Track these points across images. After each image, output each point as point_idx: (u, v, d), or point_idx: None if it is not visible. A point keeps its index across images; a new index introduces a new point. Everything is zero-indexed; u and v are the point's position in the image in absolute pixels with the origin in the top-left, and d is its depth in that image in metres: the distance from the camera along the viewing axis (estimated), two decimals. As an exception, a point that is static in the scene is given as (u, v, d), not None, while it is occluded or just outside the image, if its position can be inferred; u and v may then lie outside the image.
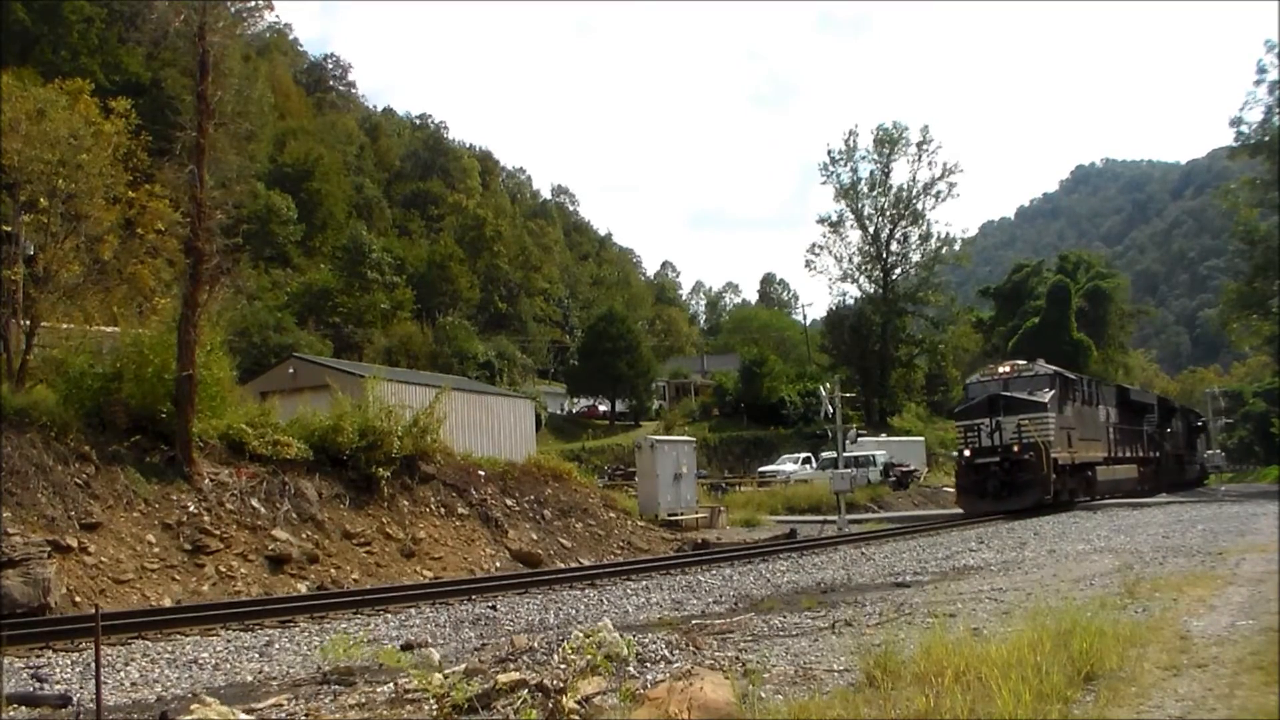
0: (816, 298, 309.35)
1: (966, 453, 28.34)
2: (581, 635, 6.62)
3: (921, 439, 55.44)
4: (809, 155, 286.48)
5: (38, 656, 8.91)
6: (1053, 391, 28.52)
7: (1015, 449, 26.96)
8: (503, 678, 5.68)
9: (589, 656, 6.10)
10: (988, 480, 27.34)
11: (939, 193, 64.26)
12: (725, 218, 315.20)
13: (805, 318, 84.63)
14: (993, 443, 27.51)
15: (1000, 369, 30.77)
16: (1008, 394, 28.40)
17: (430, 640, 8.75)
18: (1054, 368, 30.98)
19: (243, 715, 5.81)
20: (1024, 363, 31.22)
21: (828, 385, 31.71)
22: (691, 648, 7.66)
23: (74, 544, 13.51)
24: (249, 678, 7.77)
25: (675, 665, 6.77)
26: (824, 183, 66.57)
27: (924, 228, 64.87)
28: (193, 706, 5.94)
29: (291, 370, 30.34)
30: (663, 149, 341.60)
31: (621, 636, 7.22)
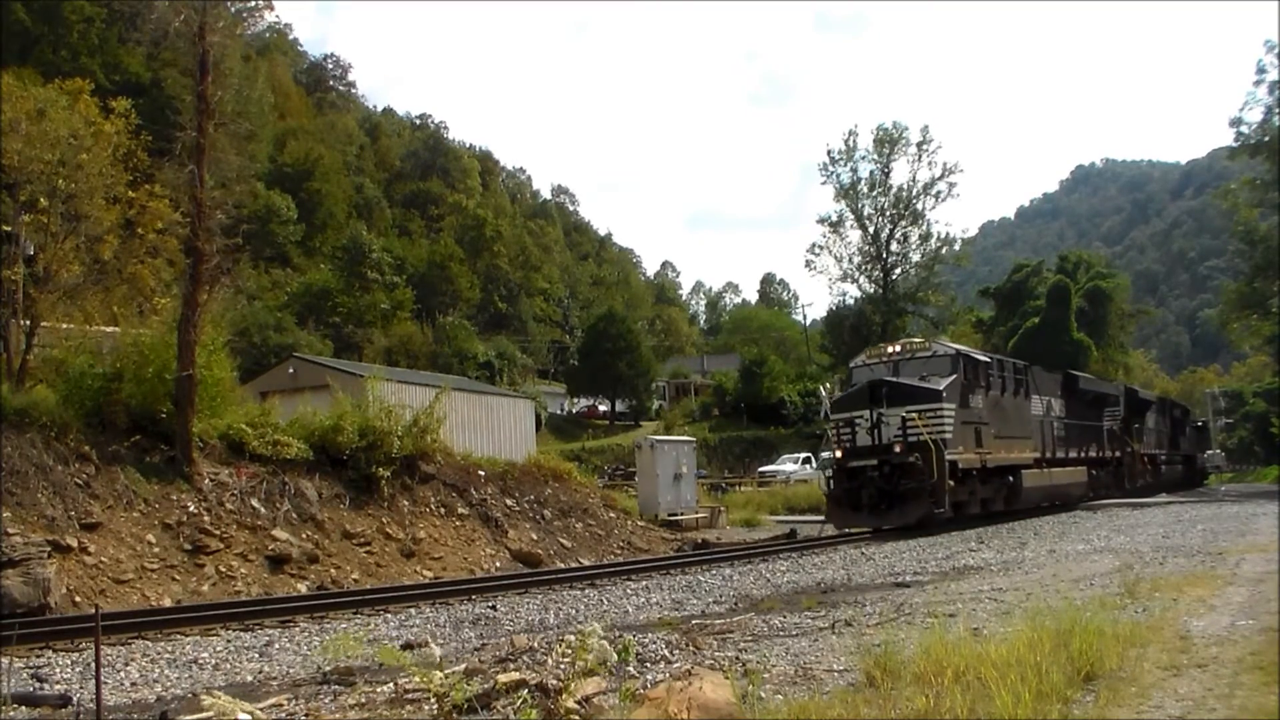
0: (816, 298, 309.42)
1: (838, 453, 22.51)
2: (573, 639, 6.62)
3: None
4: (808, 155, 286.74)
5: (38, 656, 8.92)
6: (953, 377, 22.62)
7: (897, 449, 21.19)
8: (503, 678, 5.68)
9: (581, 660, 6.10)
10: (863, 488, 21.50)
11: (939, 193, 64.21)
12: (724, 218, 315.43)
13: (805, 318, 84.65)
14: (872, 441, 21.72)
15: (890, 348, 24.70)
16: (894, 380, 22.55)
17: (430, 640, 8.74)
18: (959, 347, 25.25)
19: (247, 709, 5.80)
20: (919, 340, 25.53)
21: (827, 385, 30.41)
22: (691, 648, 7.66)
23: (74, 544, 13.51)
24: (249, 678, 7.77)
25: (675, 665, 6.78)
26: (824, 183, 66.40)
27: (924, 228, 64.82)
28: (203, 700, 5.94)
29: (291, 370, 30.36)
30: (662, 149, 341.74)
31: (621, 636, 7.22)
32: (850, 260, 66.70)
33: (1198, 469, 52.82)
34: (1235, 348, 73.47)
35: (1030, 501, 26.10)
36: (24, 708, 6.68)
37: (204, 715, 5.69)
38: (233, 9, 19.32)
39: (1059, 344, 59.23)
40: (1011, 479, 25.06)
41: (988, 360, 25.33)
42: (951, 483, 21.27)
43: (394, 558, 17.33)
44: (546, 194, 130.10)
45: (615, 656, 6.58)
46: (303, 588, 14.96)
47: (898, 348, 24.36)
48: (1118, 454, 34.75)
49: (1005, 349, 61.39)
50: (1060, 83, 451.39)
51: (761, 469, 50.47)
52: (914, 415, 21.21)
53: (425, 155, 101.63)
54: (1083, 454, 30.88)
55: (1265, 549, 13.53)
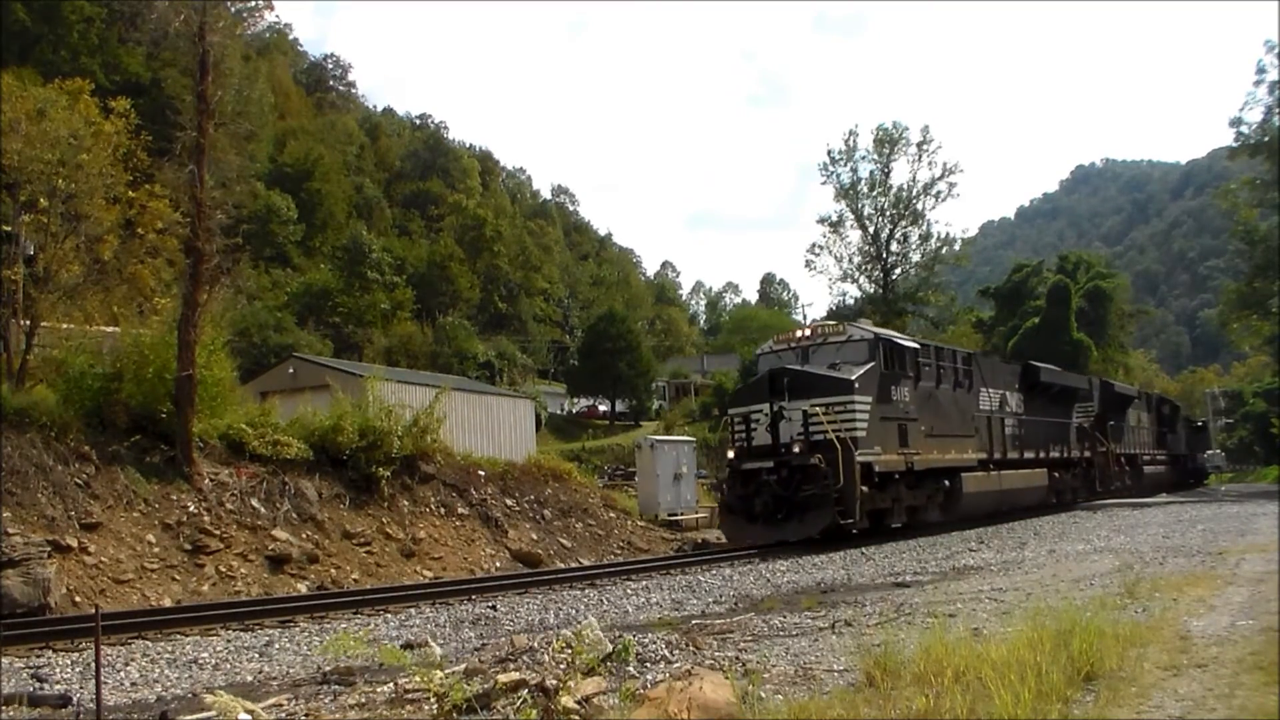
0: (816, 298, 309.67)
1: (730, 454, 19.57)
2: (569, 634, 6.62)
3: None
4: (806, 156, 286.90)
5: (38, 656, 8.91)
6: (871, 365, 19.43)
7: (796, 449, 18.23)
8: (502, 678, 5.68)
9: (580, 655, 6.10)
10: (758, 494, 18.47)
11: (939, 193, 64.20)
12: (724, 218, 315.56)
13: (805, 318, 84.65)
14: (771, 439, 18.75)
15: (799, 332, 21.64)
16: (797, 369, 19.36)
17: (430, 640, 8.74)
18: (881, 331, 21.88)
19: (249, 708, 5.81)
20: (834, 324, 21.96)
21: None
22: (691, 648, 7.66)
23: (74, 544, 13.51)
24: (249, 678, 7.77)
25: (675, 665, 6.77)
26: (824, 183, 66.39)
27: (924, 228, 64.84)
28: (205, 699, 5.94)
29: (291, 370, 30.34)
30: (661, 149, 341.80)
31: (621, 636, 7.22)
32: (850, 260, 66.69)
33: (1190, 469, 50.07)
34: (1235, 348, 73.45)
35: (973, 509, 22.95)
36: (24, 708, 6.68)
37: (206, 714, 5.69)
38: (233, 9, 19.35)
39: (1059, 344, 59.21)
40: (949, 483, 21.82)
41: (916, 347, 21.61)
42: (865, 488, 18.30)
43: (394, 558, 17.33)
44: (546, 194, 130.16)
45: (610, 647, 6.58)
46: (303, 588, 14.96)
47: (807, 332, 21.23)
48: (1087, 454, 31.49)
49: (1005, 349, 61.44)
50: (1060, 83, 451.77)
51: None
52: (819, 409, 18.12)
53: (425, 155, 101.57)
54: (1044, 454, 27.62)
55: (1265, 549, 13.53)
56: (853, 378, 18.80)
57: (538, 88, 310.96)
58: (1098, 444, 32.34)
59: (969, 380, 23.78)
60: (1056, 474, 28.31)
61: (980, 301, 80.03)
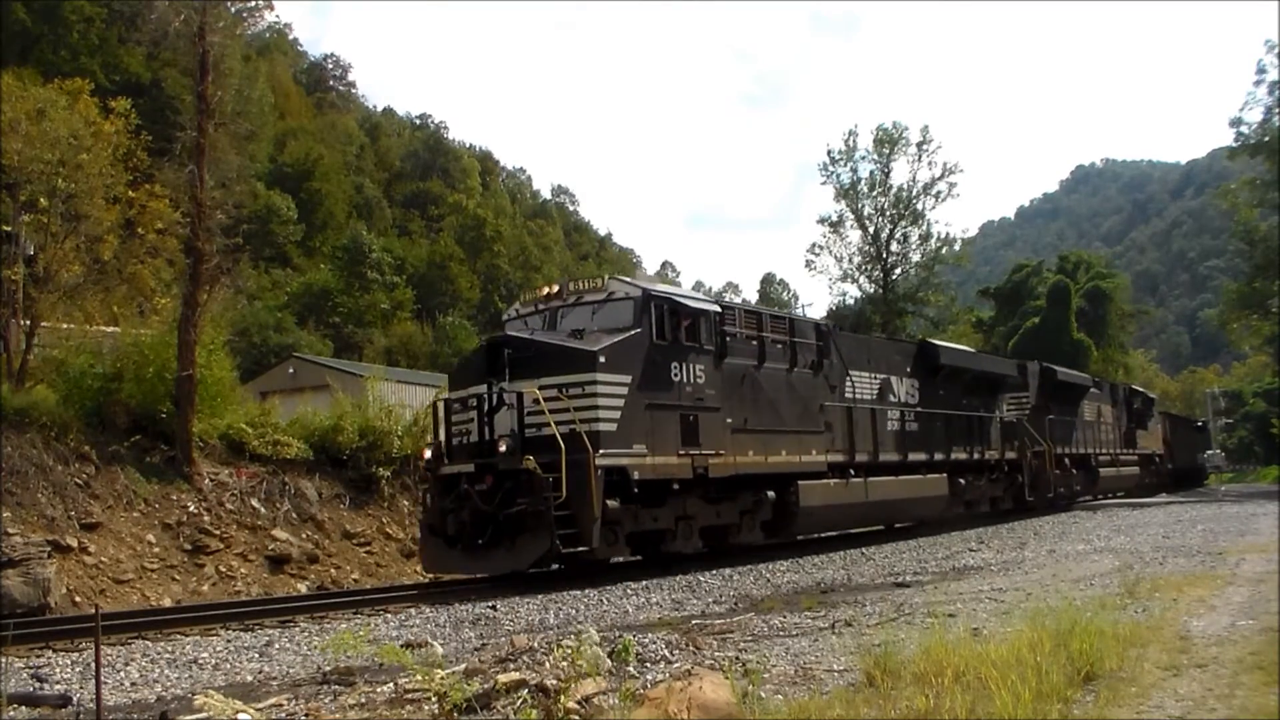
0: (816, 298, 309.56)
1: (426, 454, 14.70)
2: (568, 645, 6.63)
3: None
4: (805, 156, 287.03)
5: (38, 656, 8.91)
6: (634, 332, 14.10)
7: (502, 448, 13.07)
8: (503, 678, 5.68)
9: (580, 664, 6.11)
10: (457, 510, 13.29)
11: (939, 193, 64.14)
12: (723, 218, 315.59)
13: (805, 318, 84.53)
14: (479, 434, 13.62)
15: (547, 289, 15.73)
16: (525, 337, 14.28)
17: (431, 639, 8.75)
18: (657, 287, 15.74)
19: (240, 708, 5.81)
20: (595, 279, 15.71)
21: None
22: (691, 648, 7.66)
23: (74, 544, 13.53)
24: (249, 678, 7.77)
25: (675, 665, 6.78)
26: (824, 183, 66.16)
27: (924, 228, 64.80)
28: (195, 700, 5.95)
29: (291, 370, 30.40)
30: (661, 149, 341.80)
31: (621, 636, 7.22)
32: (850, 260, 66.62)
33: (1167, 471, 44.12)
34: (1235, 348, 73.49)
35: (819, 526, 18.47)
36: (24, 708, 6.69)
37: (201, 717, 5.69)
38: (233, 9, 19.32)
39: (1059, 344, 59.23)
40: (775, 494, 16.55)
41: (715, 310, 15.88)
42: (615, 502, 13.34)
43: (394, 558, 17.35)
44: (546, 194, 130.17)
45: (610, 663, 6.56)
46: (303, 588, 14.97)
47: (555, 288, 15.57)
48: (1014, 455, 25.84)
49: (1005, 349, 61.41)
50: (1060, 83, 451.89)
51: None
52: (552, 394, 13.09)
53: (425, 155, 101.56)
54: (946, 456, 22.16)
55: (1265, 549, 13.54)
56: (596, 348, 13.54)
57: (538, 88, 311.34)
58: (1032, 442, 26.74)
59: (819, 360, 18.20)
60: (964, 480, 22.90)
61: (980, 301, 80.00)
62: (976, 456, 23.81)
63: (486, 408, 13.58)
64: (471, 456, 13.70)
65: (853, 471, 18.52)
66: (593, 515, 12.83)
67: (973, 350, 29.21)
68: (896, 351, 22.24)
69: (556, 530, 12.52)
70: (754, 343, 16.63)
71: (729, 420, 15.55)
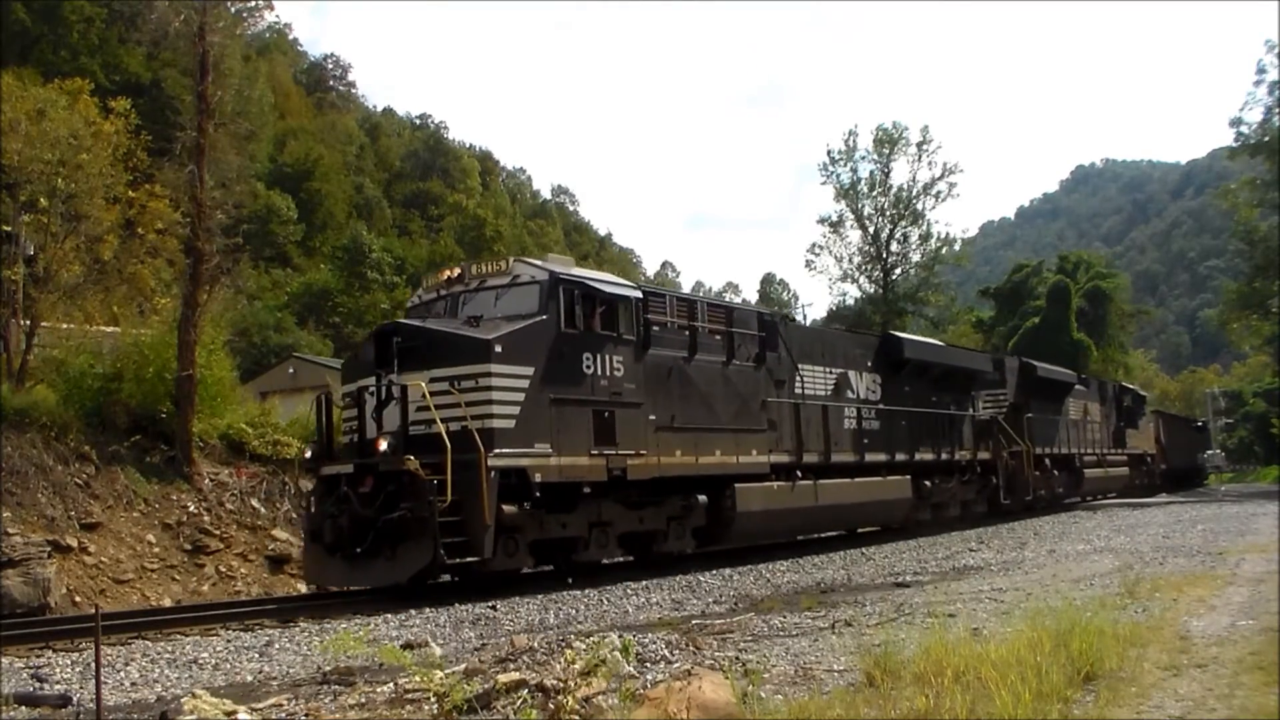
0: (816, 298, 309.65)
1: (308, 452, 14.05)
2: (582, 646, 6.61)
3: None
4: (805, 156, 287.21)
5: (38, 656, 8.91)
6: (538, 319, 12.92)
7: (383, 445, 11.92)
8: (502, 678, 5.69)
9: (589, 660, 6.11)
10: (336, 515, 11.96)
11: (939, 193, 64.15)
12: (723, 218, 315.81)
13: (805, 318, 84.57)
14: (363, 433, 12.63)
15: (449, 272, 14.38)
16: (417, 324, 13.22)
17: (430, 640, 8.75)
18: (568, 271, 13.98)
19: (230, 709, 5.81)
20: (501, 261, 14.12)
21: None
22: (691, 648, 7.67)
23: (74, 544, 13.54)
24: (249, 678, 7.77)
25: (675, 665, 6.78)
26: (824, 183, 66.21)
27: (924, 228, 64.83)
28: (184, 703, 5.94)
29: (291, 370, 30.41)
30: (661, 149, 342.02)
31: (621, 636, 7.22)
32: (850, 260, 66.64)
33: (1160, 472, 42.69)
34: (1235, 348, 73.52)
35: (756, 533, 16.79)
36: (24, 708, 6.69)
37: (203, 716, 5.69)
38: (233, 9, 19.35)
39: (1059, 344, 59.24)
40: (705, 498, 15.17)
41: (636, 296, 14.53)
42: (514, 507, 12.22)
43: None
44: (546, 194, 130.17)
45: (628, 667, 6.52)
46: (303, 588, 14.97)
47: (457, 272, 14.22)
48: (988, 456, 24.36)
49: (1005, 349, 61.39)
50: (1060, 83, 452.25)
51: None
52: (443, 385, 11.98)
53: (425, 155, 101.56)
54: (911, 456, 20.80)
55: (1265, 549, 13.54)
56: (491, 337, 12.32)
57: (538, 88, 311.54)
58: (1009, 442, 25.26)
59: (762, 353, 16.86)
60: (930, 482, 21.52)
61: (980, 301, 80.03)
62: (945, 457, 22.35)
63: (376, 402, 12.39)
64: (353, 456, 12.70)
65: (800, 473, 17.21)
66: (484, 522, 11.64)
67: (942, 344, 27.40)
68: (856, 345, 20.93)
69: (442, 538, 11.29)
70: (685, 333, 15.30)
71: (652, 417, 14.23)
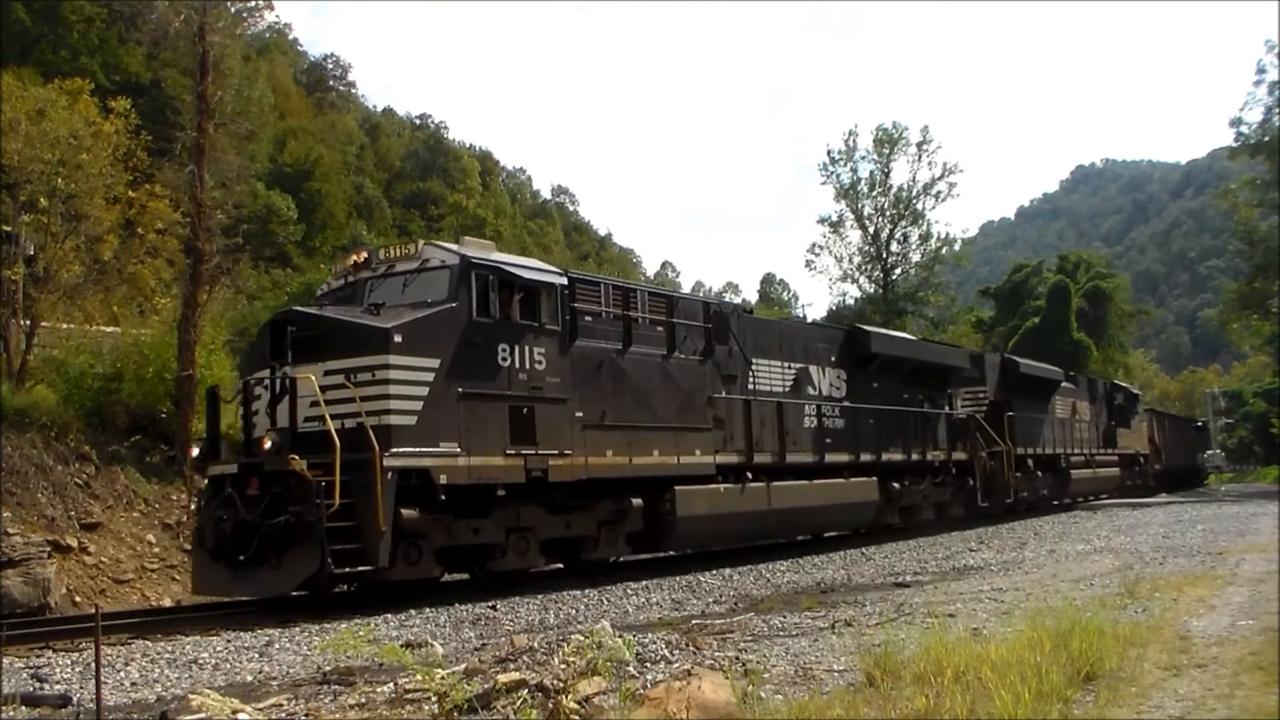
0: (816, 298, 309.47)
1: (194, 450, 12.79)
2: (581, 639, 6.62)
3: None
4: (805, 156, 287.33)
5: (38, 656, 8.91)
6: (446, 306, 11.93)
7: (267, 444, 11.07)
8: (503, 678, 5.69)
9: (589, 657, 6.11)
10: (223, 519, 11.06)
11: (939, 193, 64.19)
12: (723, 218, 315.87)
13: (805, 318, 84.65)
14: (249, 431, 12.10)
15: (357, 257, 13.48)
16: (313, 312, 12.34)
17: (431, 639, 8.75)
18: (482, 255, 12.85)
19: (236, 707, 5.81)
20: (406, 249, 12.95)
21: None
22: (691, 648, 7.67)
23: (74, 544, 13.54)
24: (249, 678, 7.77)
25: (675, 665, 6.78)
26: (824, 183, 66.28)
27: (924, 228, 64.86)
28: (191, 700, 5.94)
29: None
30: (662, 149, 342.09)
31: (621, 636, 7.22)
32: (850, 260, 66.68)
33: (1154, 472, 41.57)
34: (1235, 348, 73.52)
35: (699, 539, 16.02)
36: (24, 707, 6.69)
37: (199, 717, 5.69)
38: (233, 9, 19.35)
39: (1059, 344, 59.26)
40: (640, 501, 14.08)
41: (560, 282, 13.37)
42: (416, 511, 11.29)
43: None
44: (546, 194, 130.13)
45: (628, 654, 6.53)
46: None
47: (364, 257, 13.27)
48: (965, 456, 23.18)
49: (1005, 349, 61.36)
50: (1060, 83, 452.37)
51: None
52: (338, 378, 11.12)
53: (425, 155, 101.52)
54: (878, 456, 19.58)
55: (1265, 549, 13.54)
56: (390, 325, 11.34)
57: (538, 88, 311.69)
58: (988, 442, 24.15)
59: (709, 345, 15.71)
60: (900, 484, 20.32)
61: (980, 301, 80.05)
62: (916, 457, 21.06)
63: (270, 396, 11.45)
64: (239, 455, 12.00)
65: (752, 475, 16.08)
66: (379, 527, 10.67)
67: (914, 338, 26.07)
68: (819, 338, 19.53)
69: (332, 545, 10.40)
70: (619, 324, 14.12)
71: (579, 414, 13.12)
